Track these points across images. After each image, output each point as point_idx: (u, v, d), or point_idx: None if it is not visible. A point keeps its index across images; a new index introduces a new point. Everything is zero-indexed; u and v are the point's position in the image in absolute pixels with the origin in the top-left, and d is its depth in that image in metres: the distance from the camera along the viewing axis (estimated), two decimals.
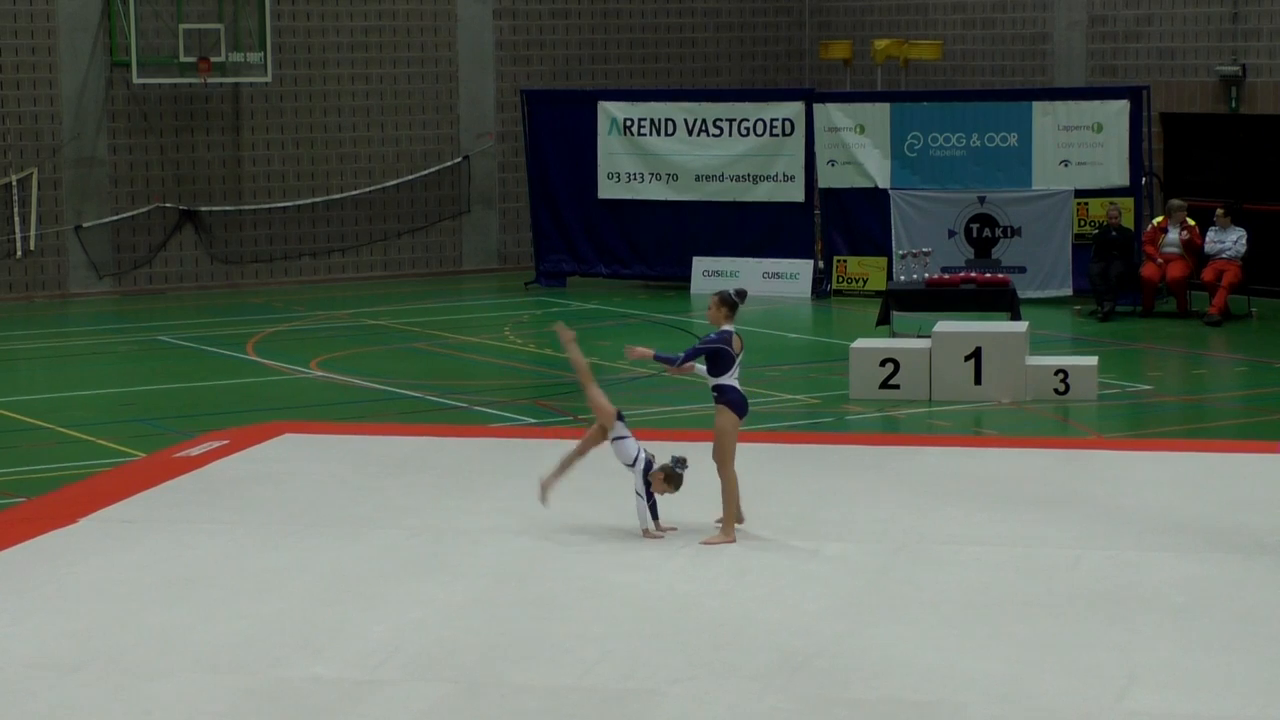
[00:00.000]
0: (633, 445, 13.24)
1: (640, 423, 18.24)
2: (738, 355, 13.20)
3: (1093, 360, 19.57)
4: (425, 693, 10.17)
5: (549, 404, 19.51)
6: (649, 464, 13.20)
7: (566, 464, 13.57)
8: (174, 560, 12.80)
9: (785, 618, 11.37)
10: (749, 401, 13.41)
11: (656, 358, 13.45)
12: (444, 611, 11.58)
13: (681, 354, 13.38)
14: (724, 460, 13.17)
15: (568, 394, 20.21)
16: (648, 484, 13.19)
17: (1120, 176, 25.91)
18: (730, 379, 13.15)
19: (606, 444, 13.38)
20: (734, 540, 13.08)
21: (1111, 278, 24.88)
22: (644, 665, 10.57)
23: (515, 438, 17.28)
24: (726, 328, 13.22)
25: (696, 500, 13.54)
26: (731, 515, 13.19)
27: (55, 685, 10.32)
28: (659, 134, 28.03)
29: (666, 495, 13.27)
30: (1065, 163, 26.14)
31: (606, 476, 14.94)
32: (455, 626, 11.30)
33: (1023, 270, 25.87)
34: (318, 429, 17.51)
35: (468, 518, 13.86)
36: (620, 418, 13.32)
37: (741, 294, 13.44)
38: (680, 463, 13.24)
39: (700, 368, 13.32)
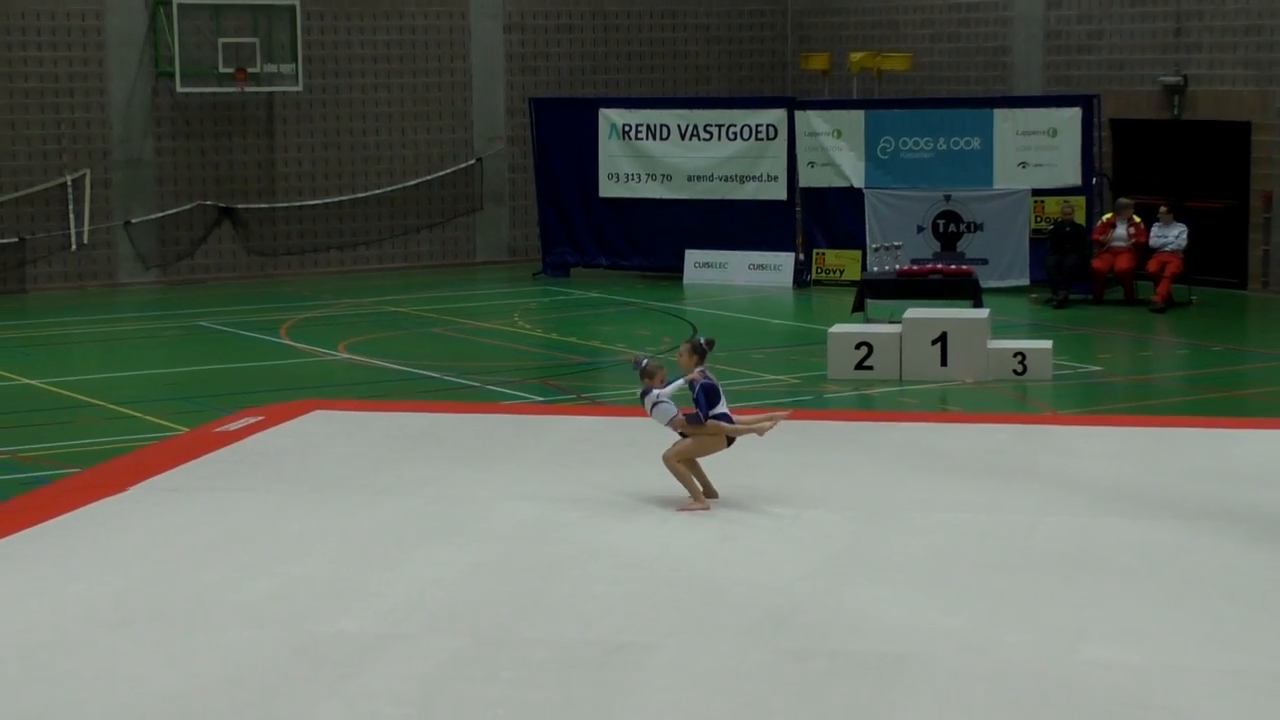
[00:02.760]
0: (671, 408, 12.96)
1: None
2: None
3: (1048, 344, 19.55)
4: (442, 645, 10.14)
5: (555, 383, 19.47)
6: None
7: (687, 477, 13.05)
8: (214, 524, 12.77)
9: (769, 578, 11.34)
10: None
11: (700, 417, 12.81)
12: (459, 572, 11.55)
13: (700, 413, 12.75)
14: (670, 458, 12.95)
15: (572, 374, 20.19)
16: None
17: (1073, 177, 25.88)
18: (722, 409, 12.85)
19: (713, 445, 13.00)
20: (707, 507, 12.99)
21: (1065, 269, 24.86)
22: (640, 620, 10.54)
23: (524, 414, 17.25)
24: (700, 368, 12.85)
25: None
26: (694, 487, 13.02)
27: (105, 638, 10.30)
28: (655, 138, 27.97)
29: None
30: (1023, 164, 26.09)
31: (608, 450, 14.92)
32: (469, 585, 11.27)
33: (985, 262, 25.82)
34: (345, 406, 17.47)
35: (481, 487, 13.82)
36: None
37: (710, 343, 13.06)
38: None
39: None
